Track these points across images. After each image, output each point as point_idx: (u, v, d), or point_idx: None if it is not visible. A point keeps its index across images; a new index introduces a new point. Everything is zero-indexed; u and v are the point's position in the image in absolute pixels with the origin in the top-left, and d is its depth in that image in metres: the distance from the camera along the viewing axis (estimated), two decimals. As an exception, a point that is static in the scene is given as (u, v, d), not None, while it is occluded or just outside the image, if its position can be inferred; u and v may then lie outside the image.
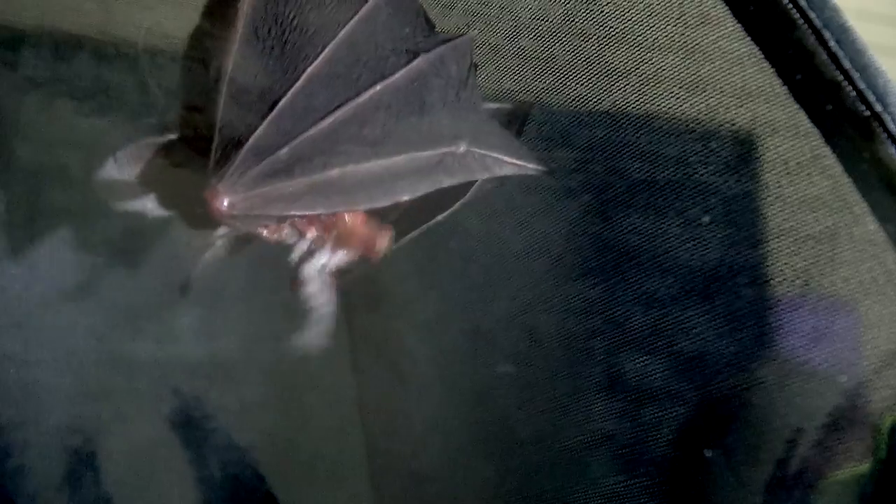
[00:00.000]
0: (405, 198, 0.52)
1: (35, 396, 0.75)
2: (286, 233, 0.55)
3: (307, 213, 0.51)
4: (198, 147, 0.51)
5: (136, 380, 0.79)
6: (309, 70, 0.50)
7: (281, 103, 0.49)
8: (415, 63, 0.52)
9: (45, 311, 0.76)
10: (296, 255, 0.55)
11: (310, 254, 0.55)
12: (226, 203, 0.48)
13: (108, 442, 0.78)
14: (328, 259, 0.55)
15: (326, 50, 0.50)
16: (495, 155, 0.56)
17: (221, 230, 0.53)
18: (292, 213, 0.52)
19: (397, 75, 0.52)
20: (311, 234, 0.55)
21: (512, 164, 0.58)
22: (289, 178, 0.49)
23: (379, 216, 0.57)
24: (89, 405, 0.78)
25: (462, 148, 0.54)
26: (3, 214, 0.75)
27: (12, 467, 0.74)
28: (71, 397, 0.77)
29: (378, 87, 0.51)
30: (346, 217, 0.55)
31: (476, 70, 0.58)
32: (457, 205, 0.59)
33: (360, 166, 0.50)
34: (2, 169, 0.74)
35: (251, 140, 0.49)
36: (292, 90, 0.50)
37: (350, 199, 0.51)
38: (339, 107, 0.50)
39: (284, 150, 0.49)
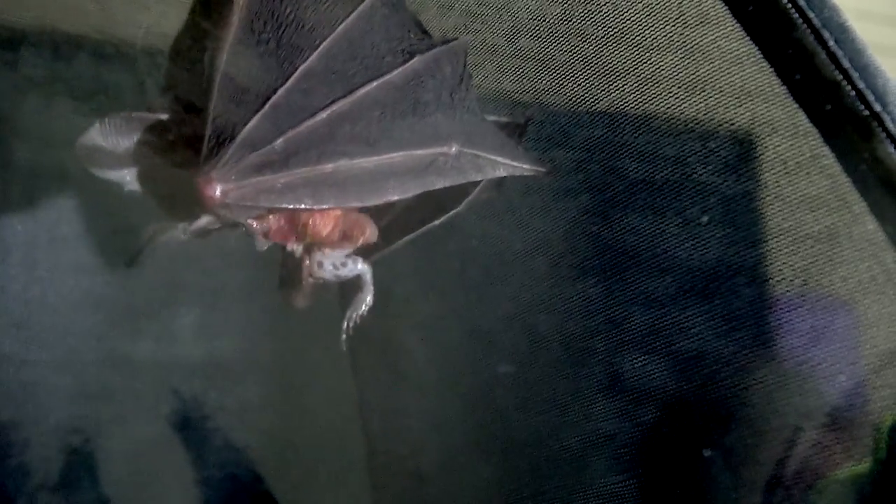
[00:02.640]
0: (395, 198, 0.53)
1: (35, 396, 0.75)
2: (260, 227, 0.54)
3: (297, 206, 0.51)
4: (187, 133, 0.51)
5: (136, 380, 0.79)
6: (305, 65, 0.50)
7: (276, 96, 0.49)
8: (410, 63, 0.53)
9: (45, 311, 0.76)
10: (304, 273, 0.55)
11: (318, 264, 0.55)
12: (218, 191, 0.48)
13: (108, 442, 0.78)
14: (330, 259, 0.56)
15: (323, 46, 0.50)
16: (489, 156, 0.56)
17: (203, 219, 0.53)
18: (283, 205, 0.51)
19: (393, 74, 0.52)
20: (292, 245, 0.55)
21: (506, 164, 0.58)
22: (282, 171, 0.49)
23: (372, 216, 0.57)
24: (89, 405, 0.78)
25: (454, 148, 0.54)
26: (3, 214, 0.75)
27: (12, 467, 0.74)
28: (71, 397, 0.77)
29: (373, 85, 0.51)
30: (318, 222, 0.55)
31: (471, 78, 0.58)
32: (453, 212, 0.59)
33: (353, 162, 0.51)
34: (1, 169, 0.74)
35: (246, 130, 0.49)
36: (288, 83, 0.50)
37: (341, 196, 0.51)
38: (334, 102, 0.50)
39: (279, 142, 0.49)
